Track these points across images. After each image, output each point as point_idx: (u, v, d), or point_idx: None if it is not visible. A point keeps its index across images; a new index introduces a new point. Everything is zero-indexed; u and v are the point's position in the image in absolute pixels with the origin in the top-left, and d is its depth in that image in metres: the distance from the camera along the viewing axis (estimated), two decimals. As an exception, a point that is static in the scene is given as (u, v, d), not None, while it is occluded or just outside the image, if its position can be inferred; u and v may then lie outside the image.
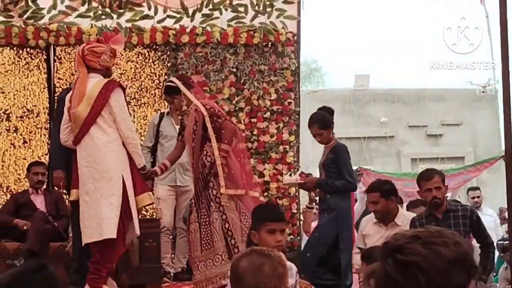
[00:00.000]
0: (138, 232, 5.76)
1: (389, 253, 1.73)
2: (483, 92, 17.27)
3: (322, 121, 6.42)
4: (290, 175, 6.78)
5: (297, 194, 8.31)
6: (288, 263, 3.17)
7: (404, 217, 6.19)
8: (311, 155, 15.53)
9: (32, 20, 8.14)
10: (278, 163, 8.27)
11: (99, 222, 5.47)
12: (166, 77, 8.19)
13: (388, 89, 17.52)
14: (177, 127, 6.96)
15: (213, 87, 8.31)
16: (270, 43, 8.40)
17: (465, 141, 17.87)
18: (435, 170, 5.84)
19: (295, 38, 8.52)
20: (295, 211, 8.28)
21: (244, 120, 8.30)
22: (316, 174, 6.99)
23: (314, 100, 16.62)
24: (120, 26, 8.19)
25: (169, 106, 7.45)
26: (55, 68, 8.22)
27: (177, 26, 8.30)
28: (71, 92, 5.71)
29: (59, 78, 8.20)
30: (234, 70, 8.35)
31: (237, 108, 8.33)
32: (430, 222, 5.34)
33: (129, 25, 8.23)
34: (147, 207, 8.19)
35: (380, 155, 17.06)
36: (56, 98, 8.04)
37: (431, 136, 17.92)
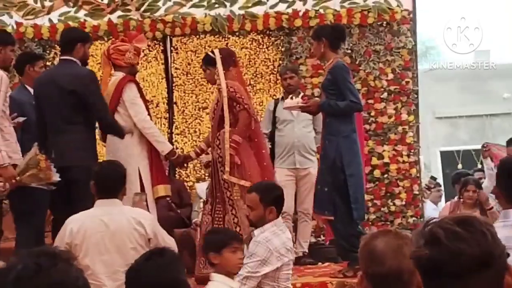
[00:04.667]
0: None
1: None
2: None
3: (316, 31, 6.27)
4: (291, 98, 6.32)
5: (418, 175, 8.12)
6: None
7: None
8: (431, 135, 15.20)
9: (149, 13, 8.32)
10: (398, 144, 8.11)
11: None
12: (280, 62, 8.20)
13: (511, 64, 16.88)
14: (293, 111, 6.93)
15: (328, 69, 8.24)
16: (385, 22, 8.24)
17: None
18: None
19: (411, 15, 8.32)
20: (417, 193, 8.11)
21: (361, 102, 8.19)
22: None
23: (432, 79, 16.23)
24: (233, 13, 8.25)
25: (283, 91, 7.45)
26: (172, 58, 8.36)
27: (290, 10, 8.27)
28: None
29: (176, 68, 8.34)
30: (349, 51, 8.24)
31: (353, 90, 8.23)
32: None
33: (242, 12, 8.27)
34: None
35: (504, 133, 16.46)
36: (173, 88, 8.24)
37: (557, 111, 17.18)
